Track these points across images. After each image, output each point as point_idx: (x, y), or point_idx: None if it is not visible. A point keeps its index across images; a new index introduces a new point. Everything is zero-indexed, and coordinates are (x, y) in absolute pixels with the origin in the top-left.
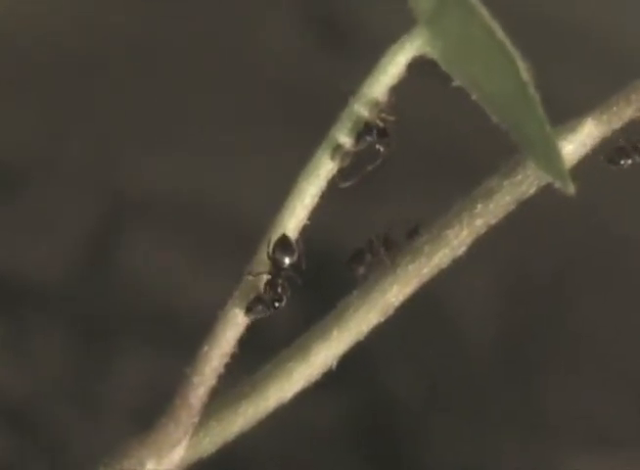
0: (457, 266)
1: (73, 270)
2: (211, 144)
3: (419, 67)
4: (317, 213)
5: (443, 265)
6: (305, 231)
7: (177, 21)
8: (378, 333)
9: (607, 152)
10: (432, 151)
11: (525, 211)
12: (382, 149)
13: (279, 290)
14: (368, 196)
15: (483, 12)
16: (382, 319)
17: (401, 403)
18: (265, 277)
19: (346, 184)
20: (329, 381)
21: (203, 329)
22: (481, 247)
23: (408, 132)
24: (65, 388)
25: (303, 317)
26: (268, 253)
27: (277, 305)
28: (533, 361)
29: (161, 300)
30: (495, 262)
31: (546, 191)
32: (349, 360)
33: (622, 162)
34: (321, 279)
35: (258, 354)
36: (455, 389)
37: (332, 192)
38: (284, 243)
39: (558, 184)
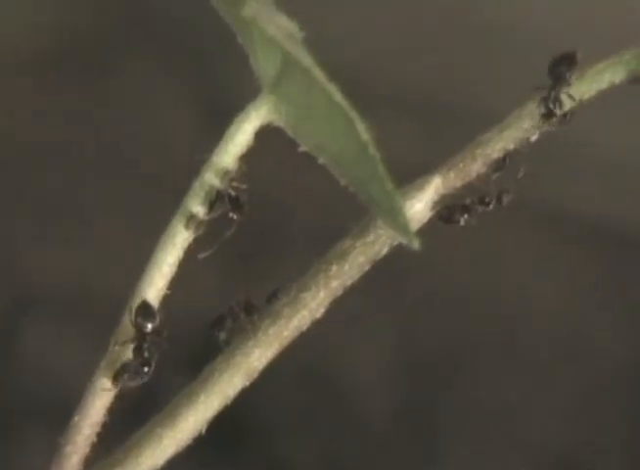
0: (353, 340)
1: None
2: (102, 235)
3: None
4: (203, 292)
5: (303, 328)
6: (195, 307)
7: (64, 115)
8: (275, 406)
9: (437, 210)
10: (315, 224)
11: (422, 287)
12: (235, 217)
13: (146, 354)
14: (255, 271)
15: (321, 76)
16: (247, 383)
17: None
18: (131, 345)
19: (205, 254)
20: (229, 453)
21: None
22: (377, 320)
23: (290, 207)
24: None
25: None
26: (131, 320)
27: (146, 369)
28: (432, 432)
29: (61, 386)
30: (392, 336)
31: (445, 267)
32: (246, 431)
33: (457, 218)
34: (207, 352)
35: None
36: (351, 460)
37: (218, 269)
38: (144, 308)
39: (404, 241)
